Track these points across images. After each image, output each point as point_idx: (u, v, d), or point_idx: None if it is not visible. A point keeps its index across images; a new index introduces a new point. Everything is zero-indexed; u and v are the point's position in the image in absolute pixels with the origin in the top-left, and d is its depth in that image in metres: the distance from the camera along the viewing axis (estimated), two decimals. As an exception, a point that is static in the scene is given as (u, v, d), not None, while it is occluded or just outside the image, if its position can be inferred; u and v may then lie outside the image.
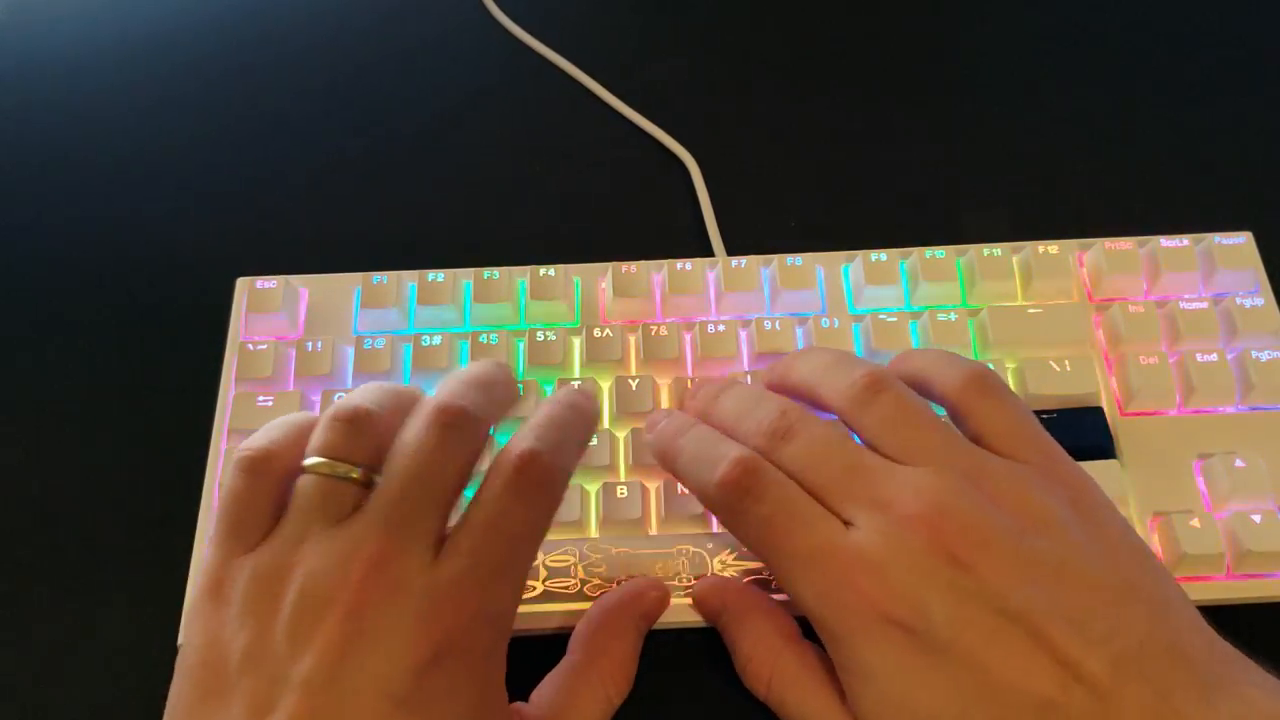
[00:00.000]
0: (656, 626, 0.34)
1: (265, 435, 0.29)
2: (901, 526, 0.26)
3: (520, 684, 0.31)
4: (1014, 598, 0.25)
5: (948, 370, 0.30)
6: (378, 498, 0.27)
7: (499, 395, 0.30)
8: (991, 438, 0.29)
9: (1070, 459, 0.29)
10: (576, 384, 0.37)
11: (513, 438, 0.29)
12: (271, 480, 0.28)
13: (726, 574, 0.34)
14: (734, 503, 0.29)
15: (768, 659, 0.31)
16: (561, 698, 0.31)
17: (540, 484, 0.28)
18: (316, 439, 0.28)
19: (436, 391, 0.29)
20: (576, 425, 0.30)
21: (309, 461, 0.28)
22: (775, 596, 0.33)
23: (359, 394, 0.29)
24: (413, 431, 0.28)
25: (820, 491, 0.28)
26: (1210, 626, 0.26)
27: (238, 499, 0.28)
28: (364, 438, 0.28)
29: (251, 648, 0.25)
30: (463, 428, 0.28)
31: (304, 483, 0.28)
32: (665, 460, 0.32)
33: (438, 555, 0.26)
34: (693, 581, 0.34)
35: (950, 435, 0.29)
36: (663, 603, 0.34)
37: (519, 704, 0.30)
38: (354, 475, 0.27)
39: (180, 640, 0.34)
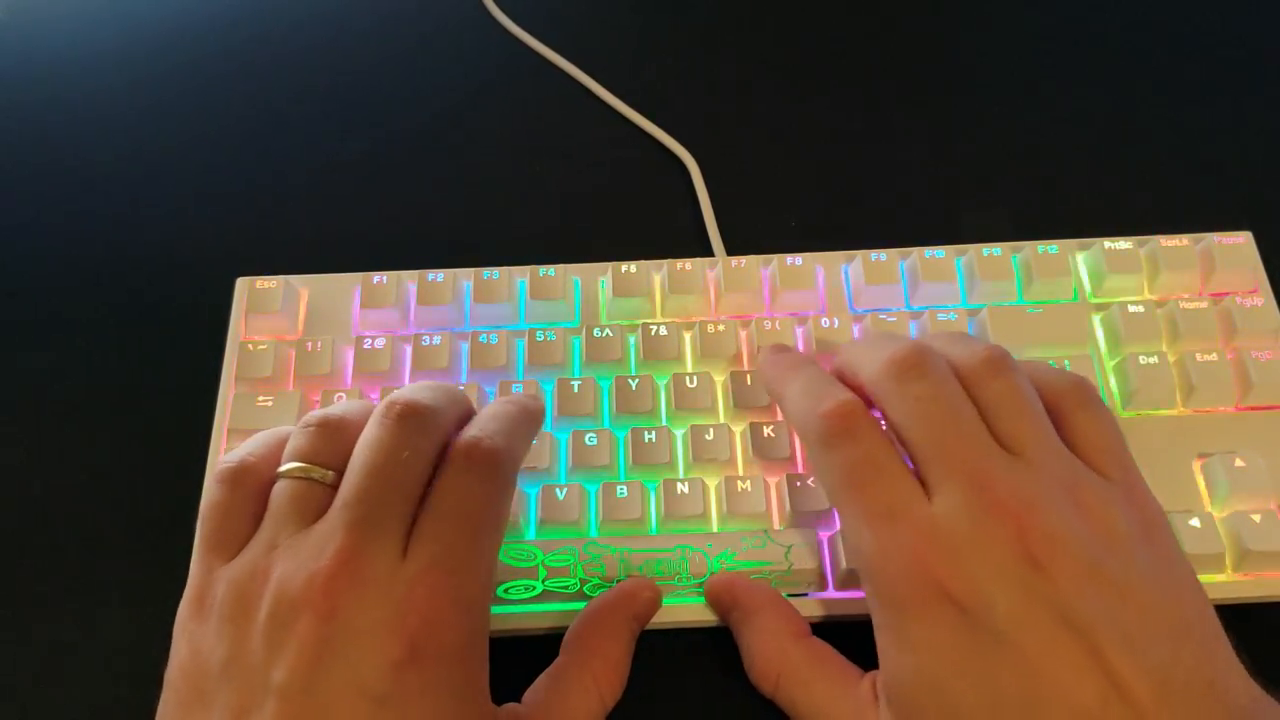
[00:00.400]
0: (658, 626, 0.34)
1: (242, 448, 0.30)
2: (988, 512, 0.26)
3: (518, 684, 0.31)
4: (1080, 609, 0.25)
5: (1054, 378, 0.30)
6: (340, 497, 0.27)
7: (452, 396, 0.31)
8: (1085, 448, 0.29)
9: (1147, 485, 0.29)
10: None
11: (458, 436, 0.29)
12: (248, 490, 0.29)
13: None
14: (831, 437, 0.29)
15: (776, 656, 0.31)
16: (554, 698, 0.31)
17: (488, 464, 0.28)
18: (289, 446, 0.29)
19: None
20: (518, 417, 0.31)
21: (283, 468, 0.29)
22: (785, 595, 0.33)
23: (341, 405, 0.30)
24: (368, 429, 0.28)
25: (923, 445, 0.28)
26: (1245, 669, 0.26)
27: (216, 510, 0.28)
28: (335, 442, 0.29)
29: (230, 657, 0.26)
30: (411, 419, 0.28)
31: (278, 489, 0.28)
32: (774, 386, 0.33)
33: (406, 550, 0.27)
34: (693, 582, 0.34)
35: (1053, 436, 0.29)
36: (655, 603, 0.34)
37: (511, 704, 0.30)
38: (322, 476, 0.28)
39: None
